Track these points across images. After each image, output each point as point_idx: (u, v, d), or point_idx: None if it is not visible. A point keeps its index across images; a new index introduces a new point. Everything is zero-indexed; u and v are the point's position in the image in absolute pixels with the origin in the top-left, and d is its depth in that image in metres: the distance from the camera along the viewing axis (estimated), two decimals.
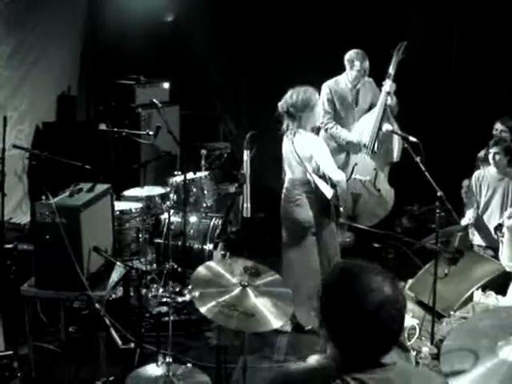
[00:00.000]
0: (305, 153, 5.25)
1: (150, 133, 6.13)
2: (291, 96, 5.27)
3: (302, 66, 8.33)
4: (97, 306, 3.67)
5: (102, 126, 7.24)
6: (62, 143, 7.02)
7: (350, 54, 6.78)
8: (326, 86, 6.85)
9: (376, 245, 7.25)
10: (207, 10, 8.63)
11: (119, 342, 3.42)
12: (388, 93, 6.80)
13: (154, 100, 6.03)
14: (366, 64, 6.73)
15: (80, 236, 4.12)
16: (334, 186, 5.21)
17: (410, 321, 5.21)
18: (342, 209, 5.25)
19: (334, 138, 6.76)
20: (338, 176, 5.21)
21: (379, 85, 6.90)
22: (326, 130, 6.83)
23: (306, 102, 5.22)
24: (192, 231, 6.10)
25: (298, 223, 5.39)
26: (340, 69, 6.93)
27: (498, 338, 2.77)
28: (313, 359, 2.14)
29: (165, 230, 6.06)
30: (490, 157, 6.23)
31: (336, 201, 5.20)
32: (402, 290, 2.11)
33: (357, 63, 6.73)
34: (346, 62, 6.81)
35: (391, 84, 6.83)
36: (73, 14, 8.11)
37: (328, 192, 5.22)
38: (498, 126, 6.94)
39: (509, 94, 7.74)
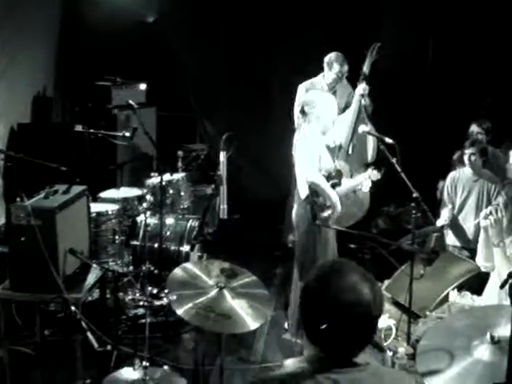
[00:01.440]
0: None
1: (127, 134, 6.10)
2: (305, 95, 5.33)
3: (280, 67, 8.36)
4: (73, 308, 3.64)
5: (78, 128, 7.19)
6: (37, 144, 6.96)
7: (330, 57, 6.79)
8: (303, 87, 6.87)
9: (352, 246, 7.27)
10: (187, 11, 8.63)
11: (95, 345, 3.40)
12: (362, 94, 6.82)
13: (131, 101, 6.00)
14: (345, 68, 6.77)
15: (55, 238, 4.09)
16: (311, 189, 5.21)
17: (386, 321, 5.22)
18: (326, 213, 5.23)
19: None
20: (311, 176, 5.18)
21: (353, 85, 6.93)
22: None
23: (315, 101, 5.25)
24: (169, 233, 6.07)
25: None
26: (317, 70, 6.95)
27: (473, 337, 2.79)
28: (289, 363, 2.17)
29: (141, 231, 6.03)
30: (466, 158, 6.28)
31: (312, 202, 5.20)
32: (380, 290, 2.15)
33: (336, 66, 6.75)
34: (325, 64, 6.83)
35: (365, 85, 6.85)
36: (48, 14, 8.06)
37: (303, 192, 5.23)
38: (474, 127, 7.00)
39: (492, 100, 7.78)
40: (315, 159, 5.15)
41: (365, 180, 5.49)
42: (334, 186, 5.28)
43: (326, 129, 5.33)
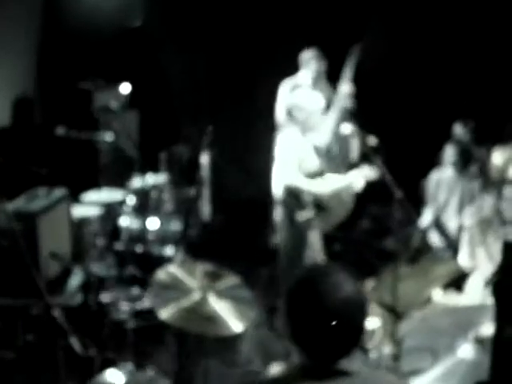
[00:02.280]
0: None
1: (109, 137, 6.07)
2: (293, 97, 5.29)
3: (264, 68, 8.36)
4: (55, 312, 3.61)
5: (60, 130, 7.14)
6: (18, 147, 6.91)
7: (307, 54, 6.80)
8: (285, 85, 6.89)
9: (336, 246, 7.27)
10: (172, 16, 8.62)
11: (78, 349, 3.38)
12: (346, 93, 6.82)
13: (112, 103, 5.97)
14: (323, 65, 6.78)
15: (37, 242, 4.07)
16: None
17: (370, 321, 5.23)
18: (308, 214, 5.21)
19: None
20: (291, 180, 5.18)
21: (335, 85, 6.94)
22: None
23: (302, 106, 5.21)
24: (152, 236, 6.05)
25: None
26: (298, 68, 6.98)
27: (456, 336, 2.80)
28: (275, 369, 2.15)
29: (124, 234, 6.00)
30: (447, 158, 6.31)
31: (289, 204, 5.20)
32: (364, 291, 2.14)
33: (312, 62, 6.76)
34: (302, 61, 6.83)
35: (348, 85, 6.86)
36: (29, 15, 8.00)
37: (279, 195, 5.24)
38: (457, 126, 7.03)
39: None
40: (294, 162, 5.16)
41: (356, 179, 5.39)
42: None
43: (313, 130, 5.33)
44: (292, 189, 5.15)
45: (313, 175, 5.27)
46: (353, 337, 2.08)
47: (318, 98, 5.40)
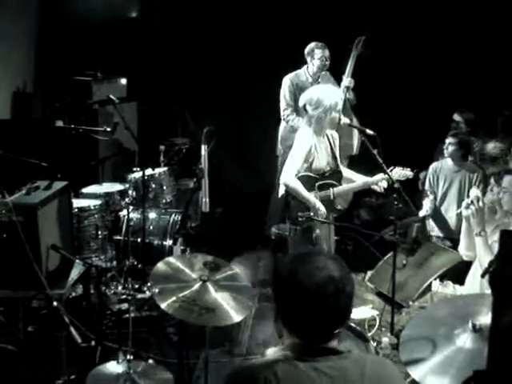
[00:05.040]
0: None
1: (108, 129, 6.07)
2: (310, 91, 5.25)
3: (263, 61, 8.37)
4: (56, 304, 3.63)
5: (59, 123, 7.15)
6: (17, 140, 6.91)
7: (310, 46, 6.87)
8: (287, 79, 6.94)
9: (335, 237, 7.28)
10: (170, 7, 8.62)
11: (79, 341, 3.40)
12: (347, 87, 6.85)
13: (111, 96, 5.98)
14: (327, 52, 6.82)
15: (37, 234, 4.08)
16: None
17: (369, 312, 5.26)
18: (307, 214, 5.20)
19: (295, 129, 6.79)
20: (285, 178, 5.19)
21: (338, 79, 6.96)
22: (288, 122, 6.89)
23: (319, 102, 5.15)
24: (151, 227, 6.07)
25: None
26: (300, 63, 6.98)
27: (455, 326, 2.81)
28: (270, 352, 2.18)
29: (124, 226, 6.01)
30: (445, 148, 6.32)
31: (287, 201, 5.21)
32: (349, 271, 2.18)
33: (317, 51, 6.81)
34: (306, 55, 6.87)
35: (350, 79, 6.88)
36: (27, 8, 7.99)
37: (281, 191, 5.27)
38: (456, 117, 7.05)
39: (510, 114, 7.71)
40: (298, 163, 5.15)
41: (381, 180, 5.24)
42: (326, 187, 5.26)
43: (328, 127, 5.31)
44: (290, 190, 5.16)
45: (323, 173, 5.26)
46: (338, 316, 2.12)
47: (335, 94, 5.32)
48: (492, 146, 6.12)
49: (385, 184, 5.25)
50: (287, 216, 5.21)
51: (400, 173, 5.22)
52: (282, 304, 2.16)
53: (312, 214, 5.10)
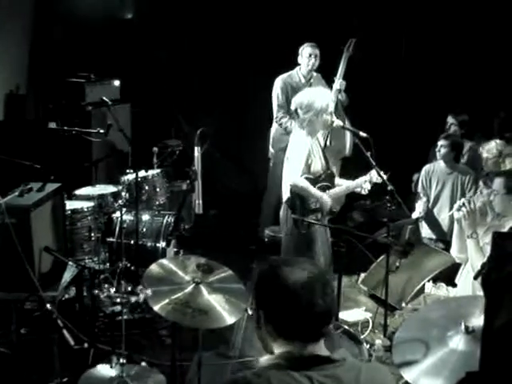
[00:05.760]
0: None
1: (101, 131, 6.06)
2: (301, 95, 5.25)
3: (257, 63, 8.37)
4: (49, 306, 3.62)
5: (52, 125, 7.13)
6: (11, 142, 6.90)
7: (302, 45, 6.89)
8: (280, 80, 6.94)
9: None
10: (164, 9, 8.62)
11: (72, 343, 3.39)
12: (339, 90, 6.87)
13: (105, 98, 5.97)
14: (316, 51, 6.87)
15: (30, 236, 4.06)
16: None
17: (363, 314, 5.28)
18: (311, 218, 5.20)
19: (288, 132, 6.80)
20: (293, 179, 5.19)
21: (329, 81, 6.97)
22: (281, 125, 6.89)
23: (310, 106, 5.15)
24: (145, 229, 6.06)
25: None
26: (294, 65, 7.00)
27: (447, 328, 2.82)
28: (263, 360, 2.18)
29: (117, 228, 6.00)
30: (437, 150, 6.34)
31: (292, 205, 5.22)
32: (326, 272, 2.23)
33: (307, 49, 6.86)
34: (298, 56, 6.91)
35: (342, 80, 6.90)
36: (20, 10, 7.97)
37: (285, 195, 5.27)
38: (449, 119, 7.06)
39: (506, 115, 7.74)
40: (302, 164, 5.15)
41: (364, 183, 5.26)
42: (324, 189, 5.27)
43: (320, 130, 5.32)
44: (300, 190, 5.16)
45: (319, 176, 5.27)
46: (321, 316, 2.13)
47: (326, 96, 5.32)
48: (486, 148, 6.13)
49: (368, 186, 5.26)
50: (293, 219, 5.20)
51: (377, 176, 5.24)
52: (268, 306, 2.17)
53: (315, 217, 5.15)
